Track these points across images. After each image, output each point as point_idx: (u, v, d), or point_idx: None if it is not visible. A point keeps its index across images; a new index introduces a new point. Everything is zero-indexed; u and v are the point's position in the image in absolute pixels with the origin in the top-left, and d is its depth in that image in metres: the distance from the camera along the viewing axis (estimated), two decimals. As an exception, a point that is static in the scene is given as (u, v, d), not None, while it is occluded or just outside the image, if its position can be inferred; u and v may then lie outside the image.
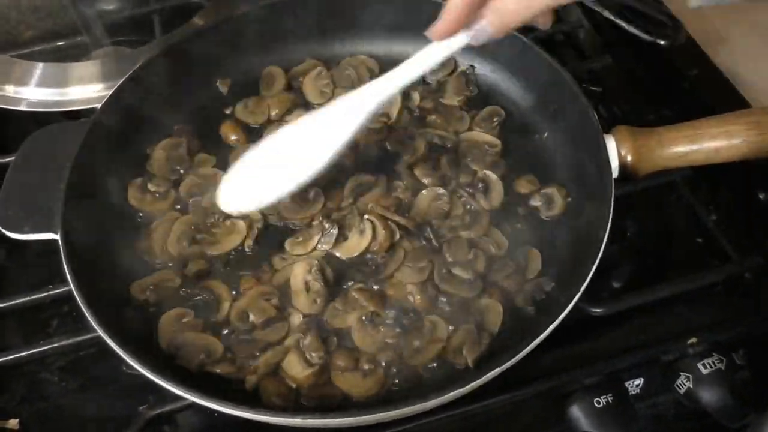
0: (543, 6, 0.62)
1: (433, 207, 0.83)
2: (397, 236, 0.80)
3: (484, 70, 0.97)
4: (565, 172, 0.85)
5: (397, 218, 0.80)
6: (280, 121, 0.94)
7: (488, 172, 0.86)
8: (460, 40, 0.67)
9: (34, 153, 0.85)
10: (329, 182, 0.86)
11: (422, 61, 0.72)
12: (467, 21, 0.64)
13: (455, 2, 0.63)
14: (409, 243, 0.80)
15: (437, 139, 0.90)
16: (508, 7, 0.62)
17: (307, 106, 0.96)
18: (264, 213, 0.83)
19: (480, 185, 0.85)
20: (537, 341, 0.64)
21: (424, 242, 0.80)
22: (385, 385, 0.70)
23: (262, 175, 0.77)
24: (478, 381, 0.62)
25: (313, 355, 0.71)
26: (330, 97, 0.96)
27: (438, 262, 0.79)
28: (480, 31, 0.65)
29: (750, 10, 1.12)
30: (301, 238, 0.81)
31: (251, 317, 0.74)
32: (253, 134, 0.93)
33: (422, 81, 0.98)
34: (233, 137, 0.93)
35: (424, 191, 0.84)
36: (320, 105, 0.95)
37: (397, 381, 0.71)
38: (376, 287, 0.77)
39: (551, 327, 0.64)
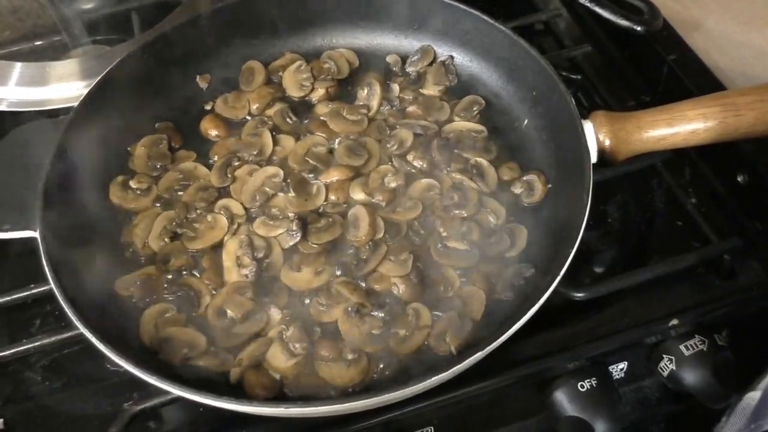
0: None
1: (425, 197, 0.83)
2: (381, 233, 0.80)
3: (464, 60, 0.97)
4: (545, 159, 0.85)
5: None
6: (261, 115, 0.94)
7: (479, 159, 0.86)
8: None
9: (13, 151, 0.84)
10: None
11: None
12: None
13: None
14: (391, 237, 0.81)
15: (419, 129, 0.90)
16: None
17: (287, 100, 0.96)
18: (247, 208, 0.84)
19: (474, 171, 0.85)
20: (517, 326, 0.64)
21: (412, 236, 0.81)
22: (369, 375, 0.71)
23: None
24: (459, 366, 0.62)
25: (297, 346, 0.71)
26: (310, 90, 0.96)
27: (433, 237, 0.80)
28: None
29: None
30: (271, 222, 0.81)
31: (229, 313, 0.74)
32: (234, 129, 0.93)
33: (402, 72, 0.98)
34: (214, 132, 0.92)
35: (416, 183, 0.85)
36: (301, 99, 0.96)
37: (381, 369, 0.71)
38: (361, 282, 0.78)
39: (531, 311, 0.64)
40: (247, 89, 0.96)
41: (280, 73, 0.98)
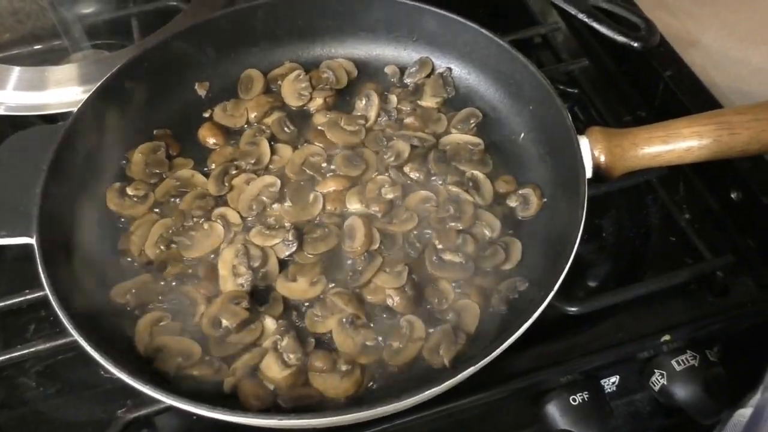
0: None
1: (421, 209, 0.84)
2: (377, 244, 0.81)
3: (462, 72, 0.98)
4: (541, 173, 0.86)
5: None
6: (259, 124, 0.94)
7: (476, 172, 0.87)
8: None
9: (10, 157, 0.84)
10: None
11: None
12: None
13: None
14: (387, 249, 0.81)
15: (416, 141, 0.90)
16: None
17: (285, 109, 0.96)
18: (243, 217, 0.84)
19: (470, 184, 0.86)
20: (511, 340, 0.64)
21: (407, 248, 0.81)
22: (362, 386, 0.71)
23: None
24: (452, 380, 0.62)
25: (291, 356, 0.71)
26: (308, 99, 0.97)
27: (428, 250, 0.80)
28: None
29: (721, 11, 1.13)
30: (267, 232, 0.82)
31: (224, 322, 0.74)
32: (232, 137, 0.93)
33: (400, 83, 0.98)
34: (212, 140, 0.93)
35: (412, 195, 0.85)
36: (299, 108, 0.97)
37: (374, 382, 0.71)
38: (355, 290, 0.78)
39: (525, 325, 0.65)
40: (246, 97, 0.97)
41: (279, 82, 0.98)
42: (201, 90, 0.97)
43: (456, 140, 0.91)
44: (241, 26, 0.98)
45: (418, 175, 0.87)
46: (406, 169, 0.87)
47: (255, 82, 0.98)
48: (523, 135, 0.90)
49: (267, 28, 0.99)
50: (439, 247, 0.80)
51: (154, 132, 0.92)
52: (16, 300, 0.79)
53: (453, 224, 0.82)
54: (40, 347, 0.76)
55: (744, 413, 0.63)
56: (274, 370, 0.71)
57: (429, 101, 0.96)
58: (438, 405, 0.70)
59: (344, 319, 0.75)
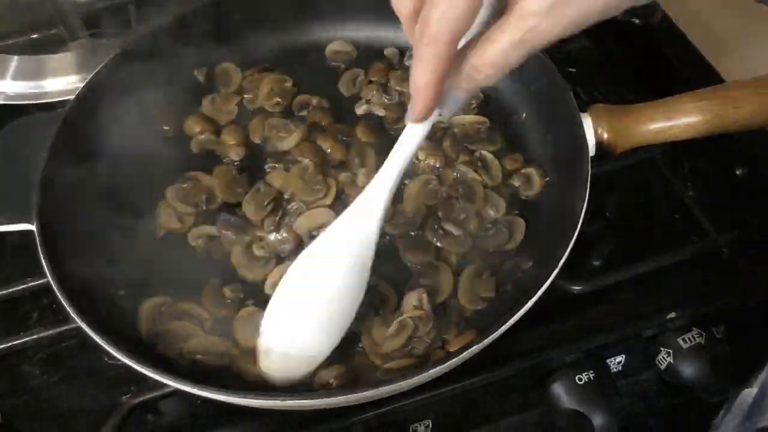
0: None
1: (423, 193, 0.83)
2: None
3: (462, 53, 0.97)
4: (544, 152, 0.85)
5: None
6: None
7: (484, 152, 0.86)
8: (434, 116, 0.62)
9: (9, 144, 0.84)
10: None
11: (406, 149, 0.66)
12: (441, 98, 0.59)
13: (424, 81, 0.56)
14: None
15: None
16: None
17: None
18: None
19: (479, 164, 0.85)
20: (515, 318, 0.64)
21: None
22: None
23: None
24: (455, 360, 0.62)
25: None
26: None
27: (430, 220, 0.80)
28: (453, 102, 0.60)
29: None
30: None
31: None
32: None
33: (400, 65, 0.98)
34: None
35: (410, 182, 0.84)
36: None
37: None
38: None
39: (529, 304, 0.64)
40: (228, 91, 0.96)
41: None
42: (200, 75, 0.97)
43: (462, 121, 0.90)
44: (238, 11, 0.97)
45: (434, 161, 0.85)
46: (420, 155, 0.86)
47: (233, 77, 0.96)
48: (524, 115, 0.90)
49: (265, 11, 0.98)
50: (440, 215, 0.80)
51: (153, 114, 0.91)
52: (18, 288, 0.79)
53: (464, 205, 0.81)
54: (43, 334, 0.76)
55: (750, 393, 0.63)
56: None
57: (430, 83, 0.95)
58: (443, 385, 0.70)
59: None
